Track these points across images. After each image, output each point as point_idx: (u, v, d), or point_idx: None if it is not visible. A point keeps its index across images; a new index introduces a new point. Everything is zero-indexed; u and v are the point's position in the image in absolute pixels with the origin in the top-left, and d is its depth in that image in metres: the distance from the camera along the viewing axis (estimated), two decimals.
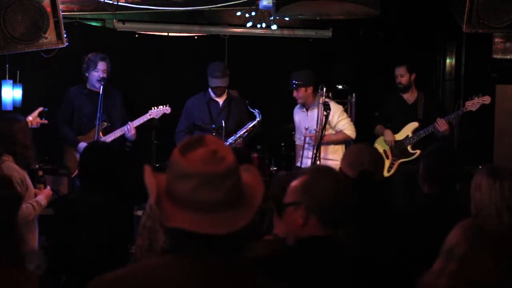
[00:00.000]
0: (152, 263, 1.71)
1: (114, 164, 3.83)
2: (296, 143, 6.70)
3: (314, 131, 6.19)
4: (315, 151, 6.01)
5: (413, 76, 6.64)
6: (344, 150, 6.28)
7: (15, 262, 2.47)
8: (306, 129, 6.30)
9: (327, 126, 6.07)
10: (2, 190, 2.63)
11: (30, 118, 5.50)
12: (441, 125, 6.27)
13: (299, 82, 6.30)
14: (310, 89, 6.35)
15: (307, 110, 6.44)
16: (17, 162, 4.32)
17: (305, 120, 6.43)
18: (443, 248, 1.84)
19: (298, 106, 6.56)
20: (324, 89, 6.07)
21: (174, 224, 1.62)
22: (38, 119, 5.52)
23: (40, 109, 5.59)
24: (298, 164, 6.45)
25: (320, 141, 5.97)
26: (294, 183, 2.41)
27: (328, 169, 2.59)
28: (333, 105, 6.23)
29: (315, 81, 6.35)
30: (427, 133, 6.40)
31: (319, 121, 6.08)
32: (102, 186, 3.72)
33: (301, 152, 6.44)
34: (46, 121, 5.61)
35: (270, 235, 2.90)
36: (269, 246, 2.62)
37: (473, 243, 1.78)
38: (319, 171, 2.56)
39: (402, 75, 6.62)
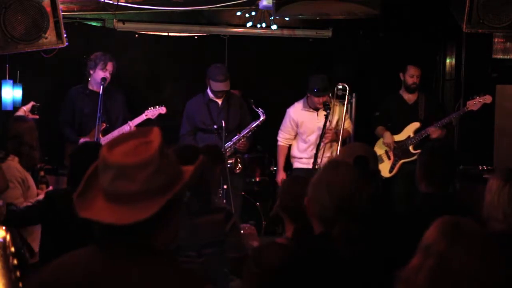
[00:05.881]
0: (76, 252, 1.77)
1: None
2: (281, 143, 6.58)
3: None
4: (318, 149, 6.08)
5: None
6: (338, 146, 6.36)
7: None
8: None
9: (327, 123, 6.14)
10: None
11: (24, 108, 5.49)
12: (432, 132, 6.34)
13: (326, 89, 6.29)
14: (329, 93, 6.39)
15: (316, 110, 6.40)
16: (22, 163, 4.32)
17: (314, 120, 6.40)
18: (421, 244, 1.87)
19: (299, 106, 6.49)
20: (348, 89, 6.32)
21: (83, 214, 1.68)
22: (30, 114, 5.52)
23: (33, 103, 5.57)
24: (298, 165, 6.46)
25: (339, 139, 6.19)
26: None
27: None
28: (339, 105, 6.41)
29: None
30: (426, 134, 6.42)
31: (338, 120, 6.32)
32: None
33: (284, 154, 6.51)
34: (37, 116, 5.60)
35: (282, 238, 2.96)
36: (280, 250, 2.66)
37: (450, 240, 1.81)
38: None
39: (418, 76, 6.61)
